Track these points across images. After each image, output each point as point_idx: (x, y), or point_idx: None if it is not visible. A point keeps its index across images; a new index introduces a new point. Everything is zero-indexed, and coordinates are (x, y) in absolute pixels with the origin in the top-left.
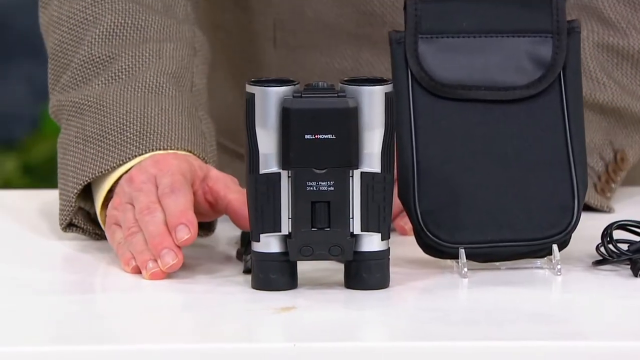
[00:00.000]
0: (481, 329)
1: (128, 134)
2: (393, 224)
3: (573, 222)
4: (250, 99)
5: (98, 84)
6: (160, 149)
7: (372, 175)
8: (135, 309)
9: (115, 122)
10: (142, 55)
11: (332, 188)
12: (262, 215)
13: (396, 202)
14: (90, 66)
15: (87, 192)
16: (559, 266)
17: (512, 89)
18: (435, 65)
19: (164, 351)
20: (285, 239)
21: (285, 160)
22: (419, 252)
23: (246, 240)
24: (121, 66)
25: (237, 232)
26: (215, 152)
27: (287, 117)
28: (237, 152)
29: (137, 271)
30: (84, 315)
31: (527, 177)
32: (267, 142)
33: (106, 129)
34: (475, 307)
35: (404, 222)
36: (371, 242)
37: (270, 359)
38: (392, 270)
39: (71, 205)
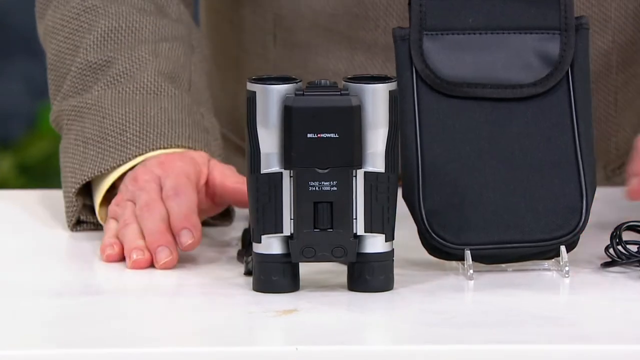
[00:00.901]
0: (487, 332)
1: (128, 134)
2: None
3: (581, 223)
4: (251, 97)
5: (97, 90)
6: (160, 148)
7: (376, 175)
8: (134, 311)
9: (114, 124)
10: (138, 56)
11: (335, 188)
12: (264, 215)
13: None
14: (88, 73)
15: (91, 190)
16: (567, 268)
17: (518, 86)
18: (441, 63)
19: (164, 354)
20: (287, 240)
21: (287, 159)
22: (423, 254)
23: (247, 241)
24: (118, 69)
25: (238, 233)
26: (221, 146)
27: (289, 115)
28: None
29: (111, 260)
30: (82, 318)
31: (534, 177)
32: (269, 141)
33: (106, 130)
34: (481, 310)
35: None
36: (375, 244)
37: None
38: (396, 272)
39: (73, 205)
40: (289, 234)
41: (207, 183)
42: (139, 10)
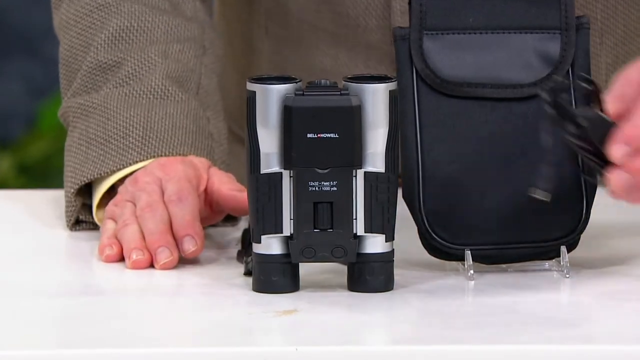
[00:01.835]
0: (487, 332)
1: (131, 138)
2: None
3: (582, 224)
4: (251, 97)
5: (105, 91)
6: (162, 155)
7: (376, 175)
8: (134, 311)
9: (118, 126)
10: (148, 58)
11: (335, 188)
12: (264, 216)
13: None
14: (98, 72)
15: (91, 190)
16: (567, 268)
17: (519, 86)
18: (441, 62)
19: (163, 354)
20: (287, 240)
21: (287, 159)
22: (423, 254)
23: (247, 242)
24: (128, 71)
25: (238, 233)
26: (225, 152)
27: (289, 115)
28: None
29: (110, 260)
30: (82, 318)
31: (534, 177)
32: (269, 141)
33: (110, 132)
34: (481, 311)
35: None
36: (375, 244)
37: None
38: (397, 272)
39: (72, 205)
40: (289, 234)
41: (205, 190)
42: (152, 8)
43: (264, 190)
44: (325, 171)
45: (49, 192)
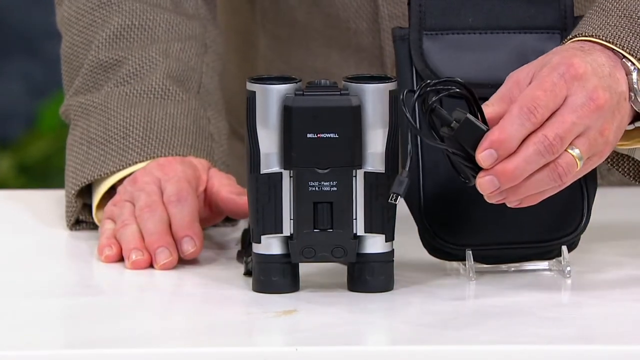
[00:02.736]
0: (487, 332)
1: (131, 139)
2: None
3: (582, 223)
4: (251, 97)
5: (106, 90)
6: (162, 156)
7: (376, 175)
8: (134, 311)
9: (119, 127)
10: (149, 57)
11: (334, 188)
12: (263, 216)
13: None
14: (99, 71)
15: (91, 190)
16: (568, 268)
17: None
18: (441, 63)
19: (163, 355)
20: (287, 240)
21: (287, 159)
22: (423, 254)
23: (247, 242)
24: (128, 70)
25: (238, 233)
26: (226, 152)
27: (289, 115)
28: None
29: (109, 260)
30: (82, 318)
31: None
32: (269, 141)
33: (110, 132)
34: (481, 311)
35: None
36: (375, 244)
37: None
38: (396, 272)
39: (72, 205)
40: (289, 234)
41: (205, 191)
42: (154, 6)
43: (264, 190)
44: (325, 171)
45: (49, 192)
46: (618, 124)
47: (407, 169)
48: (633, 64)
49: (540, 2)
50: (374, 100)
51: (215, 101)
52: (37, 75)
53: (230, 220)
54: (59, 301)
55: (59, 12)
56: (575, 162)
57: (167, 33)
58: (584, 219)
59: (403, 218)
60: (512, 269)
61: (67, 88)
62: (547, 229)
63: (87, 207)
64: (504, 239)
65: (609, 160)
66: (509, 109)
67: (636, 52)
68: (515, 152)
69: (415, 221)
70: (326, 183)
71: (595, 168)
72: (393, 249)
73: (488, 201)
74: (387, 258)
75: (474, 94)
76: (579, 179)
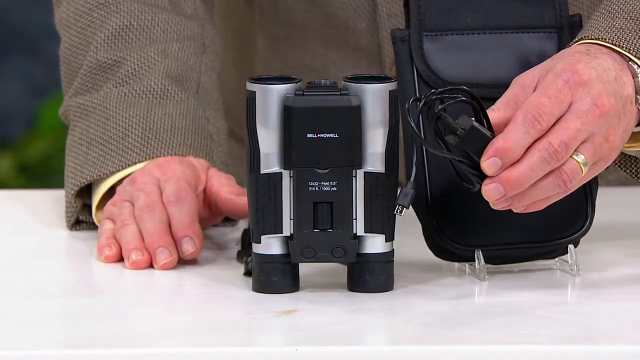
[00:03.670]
0: (487, 332)
1: (130, 139)
2: None
3: (587, 222)
4: (251, 97)
5: (105, 90)
6: (161, 156)
7: (376, 175)
8: (134, 311)
9: (118, 127)
10: (147, 57)
11: (334, 188)
12: (263, 216)
13: None
14: (98, 72)
15: (91, 191)
16: (577, 267)
17: None
18: (441, 63)
19: (163, 355)
20: (287, 240)
21: (286, 159)
22: (423, 254)
23: (247, 242)
24: (127, 70)
25: (238, 233)
26: (225, 152)
27: (289, 115)
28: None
29: (109, 261)
30: (82, 318)
31: None
32: (269, 141)
33: (109, 133)
34: (482, 310)
35: None
36: (375, 244)
37: None
38: (396, 272)
39: (72, 206)
40: (289, 234)
41: (205, 191)
42: (152, 6)
43: (263, 190)
44: (325, 171)
45: (49, 192)
46: (624, 128)
47: (412, 180)
48: (639, 66)
49: (536, 1)
50: (374, 100)
51: (214, 101)
52: (37, 75)
53: (229, 220)
54: (59, 301)
55: (57, 13)
56: (580, 169)
57: (166, 33)
58: (588, 219)
59: (403, 218)
60: (517, 268)
61: (66, 89)
62: (553, 229)
63: (87, 207)
64: (511, 239)
65: (617, 161)
66: (514, 117)
67: None
68: (520, 159)
69: (422, 222)
70: (326, 183)
71: None
72: (393, 249)
73: (494, 207)
74: (387, 258)
75: (480, 101)
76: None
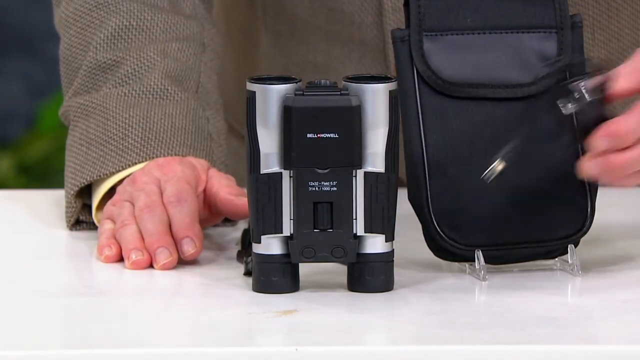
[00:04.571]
0: (488, 332)
1: (130, 139)
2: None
3: (587, 222)
4: (251, 97)
5: (105, 91)
6: (161, 156)
7: (376, 175)
8: (134, 312)
9: (118, 127)
10: (147, 57)
11: (334, 188)
12: (263, 216)
13: None
14: (98, 72)
15: (91, 191)
16: (577, 267)
17: (519, 86)
18: (441, 64)
19: (163, 355)
20: (287, 240)
21: (286, 159)
22: (423, 254)
23: (247, 242)
24: (127, 70)
25: (238, 233)
26: (225, 152)
27: (289, 115)
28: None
29: (109, 261)
30: (82, 318)
31: (538, 176)
32: (269, 141)
33: (109, 133)
34: (482, 311)
35: None
36: (375, 244)
37: None
38: (396, 272)
39: (72, 206)
40: (289, 235)
41: (205, 191)
42: (151, 6)
43: (263, 190)
44: (325, 171)
45: (49, 192)
46: None
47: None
48: None
49: (535, 1)
50: (374, 100)
51: (214, 101)
52: (37, 75)
53: (229, 220)
54: (59, 301)
55: (57, 13)
56: None
57: (165, 33)
58: (588, 218)
59: (403, 218)
60: (516, 269)
61: (66, 90)
62: (553, 229)
63: (87, 207)
64: (511, 240)
65: None
66: (633, 107)
67: None
68: (629, 147)
69: (422, 222)
70: (326, 183)
71: None
72: (393, 249)
73: (579, 174)
74: (387, 258)
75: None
76: (583, 179)
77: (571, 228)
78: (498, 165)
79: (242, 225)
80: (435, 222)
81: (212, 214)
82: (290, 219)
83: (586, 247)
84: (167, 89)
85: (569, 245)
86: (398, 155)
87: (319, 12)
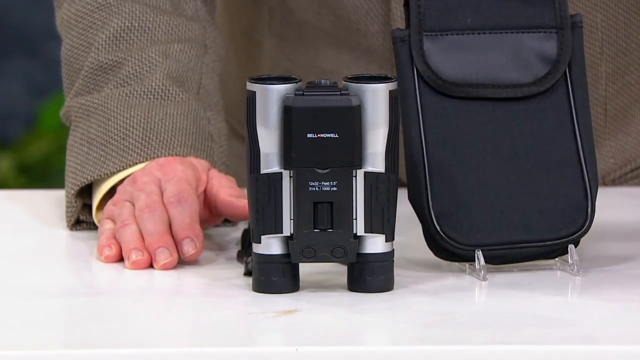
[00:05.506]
0: (488, 332)
1: (131, 139)
2: None
3: (587, 222)
4: (251, 97)
5: (106, 91)
6: (162, 156)
7: (376, 175)
8: (134, 312)
9: (119, 127)
10: (148, 58)
11: (335, 188)
12: (263, 216)
13: None
14: (99, 73)
15: (91, 191)
16: (577, 267)
17: (519, 86)
18: (442, 64)
19: (163, 355)
20: (287, 240)
21: (287, 159)
22: (423, 254)
23: (247, 242)
24: (128, 71)
25: (238, 233)
26: (225, 153)
27: (289, 115)
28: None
29: (109, 261)
30: (82, 318)
31: (538, 176)
32: (269, 141)
33: (110, 133)
34: (482, 310)
35: None
36: (375, 244)
37: None
38: (396, 272)
39: (72, 205)
40: (289, 235)
41: (205, 192)
42: (153, 8)
43: (263, 190)
44: (325, 171)
45: (49, 192)
46: None
47: None
48: None
49: (536, 2)
50: (374, 100)
51: (215, 102)
52: (37, 75)
53: (229, 220)
54: (59, 301)
55: (58, 14)
56: None
57: (167, 34)
58: (588, 218)
59: (403, 218)
60: (516, 268)
61: (68, 90)
62: (553, 228)
63: (87, 207)
64: (511, 239)
65: None
66: None
67: None
68: None
69: (422, 222)
70: (326, 183)
71: (596, 168)
72: (393, 249)
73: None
74: (387, 258)
75: None
76: (582, 178)
77: (571, 228)
78: None
79: (242, 225)
80: (435, 222)
81: (212, 214)
82: (290, 219)
83: (586, 247)
84: (169, 90)
85: (569, 245)
86: (398, 155)
87: (326, 18)
